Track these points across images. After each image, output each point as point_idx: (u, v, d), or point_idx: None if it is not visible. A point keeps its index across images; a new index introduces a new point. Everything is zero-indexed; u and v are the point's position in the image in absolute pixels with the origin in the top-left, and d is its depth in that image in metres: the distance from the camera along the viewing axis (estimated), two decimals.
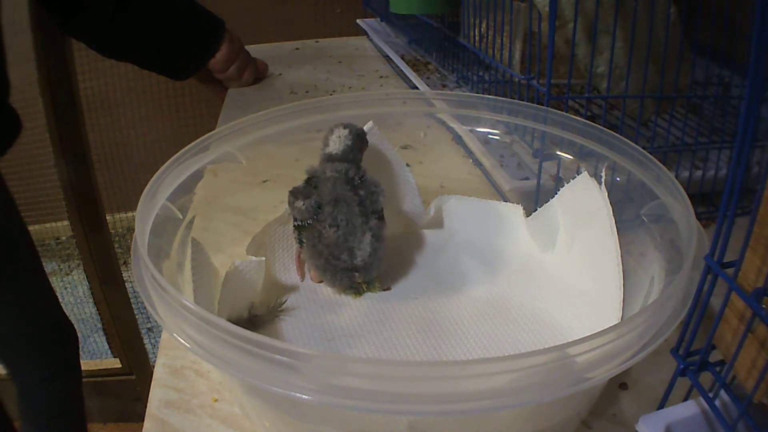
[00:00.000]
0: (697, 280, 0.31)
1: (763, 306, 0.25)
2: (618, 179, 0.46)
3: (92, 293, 1.53)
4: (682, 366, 0.30)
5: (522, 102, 0.53)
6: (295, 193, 0.47)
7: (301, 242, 0.48)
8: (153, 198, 0.41)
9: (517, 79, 0.64)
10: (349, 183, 0.46)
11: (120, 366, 1.59)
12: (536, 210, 0.53)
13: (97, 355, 1.63)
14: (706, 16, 0.51)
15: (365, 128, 0.52)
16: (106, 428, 1.63)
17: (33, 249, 1.00)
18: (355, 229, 0.46)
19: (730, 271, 0.28)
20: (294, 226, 0.48)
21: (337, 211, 0.46)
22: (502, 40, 0.68)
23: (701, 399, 0.29)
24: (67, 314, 1.09)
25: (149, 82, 1.71)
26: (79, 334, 1.11)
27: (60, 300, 1.08)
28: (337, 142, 0.48)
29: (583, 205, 0.47)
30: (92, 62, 1.59)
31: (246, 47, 1.00)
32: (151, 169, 0.43)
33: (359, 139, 0.49)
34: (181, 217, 0.44)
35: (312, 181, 0.47)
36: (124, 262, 1.68)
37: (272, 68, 1.05)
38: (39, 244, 1.04)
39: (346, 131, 0.48)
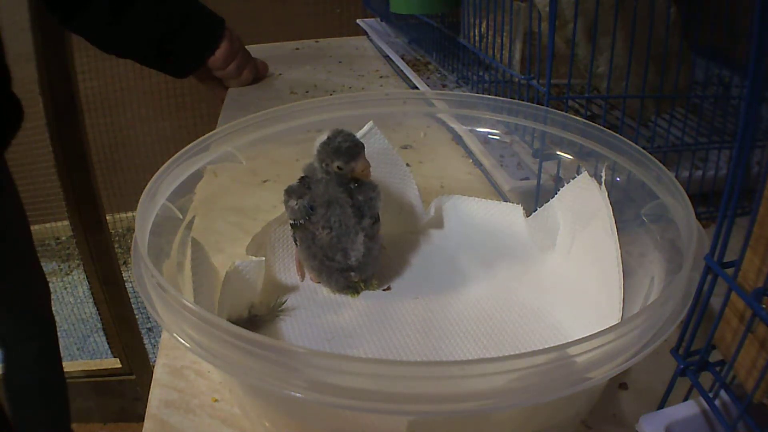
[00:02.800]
0: (697, 280, 0.31)
1: (763, 306, 0.25)
2: (618, 179, 0.46)
3: (92, 293, 1.53)
4: (682, 366, 0.30)
5: (522, 102, 0.53)
6: (289, 192, 0.47)
7: (296, 241, 0.48)
8: (153, 198, 0.41)
9: (517, 79, 0.64)
10: (343, 185, 0.46)
11: (120, 366, 1.59)
12: (536, 210, 0.52)
13: (97, 355, 1.63)
14: (706, 16, 0.51)
15: (365, 128, 0.52)
16: (106, 428, 1.63)
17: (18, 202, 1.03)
18: (348, 230, 0.46)
19: (730, 271, 0.28)
20: (290, 224, 0.48)
21: (330, 213, 0.45)
22: (502, 40, 0.68)
23: (701, 399, 0.29)
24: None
25: (149, 82, 1.71)
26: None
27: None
28: (317, 145, 0.46)
29: (583, 205, 0.47)
30: (92, 62, 1.60)
31: (246, 47, 1.00)
32: (151, 169, 0.43)
33: (331, 150, 0.44)
34: (181, 217, 0.44)
35: (305, 180, 0.47)
36: (124, 262, 1.68)
37: (272, 68, 1.05)
38: (39, 244, 1.05)
39: (324, 138, 0.45)
